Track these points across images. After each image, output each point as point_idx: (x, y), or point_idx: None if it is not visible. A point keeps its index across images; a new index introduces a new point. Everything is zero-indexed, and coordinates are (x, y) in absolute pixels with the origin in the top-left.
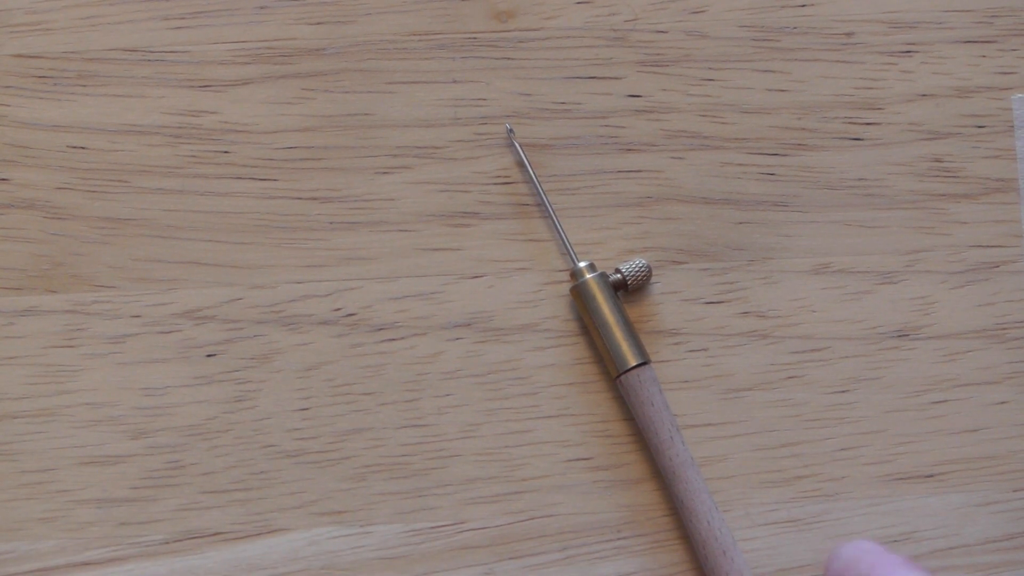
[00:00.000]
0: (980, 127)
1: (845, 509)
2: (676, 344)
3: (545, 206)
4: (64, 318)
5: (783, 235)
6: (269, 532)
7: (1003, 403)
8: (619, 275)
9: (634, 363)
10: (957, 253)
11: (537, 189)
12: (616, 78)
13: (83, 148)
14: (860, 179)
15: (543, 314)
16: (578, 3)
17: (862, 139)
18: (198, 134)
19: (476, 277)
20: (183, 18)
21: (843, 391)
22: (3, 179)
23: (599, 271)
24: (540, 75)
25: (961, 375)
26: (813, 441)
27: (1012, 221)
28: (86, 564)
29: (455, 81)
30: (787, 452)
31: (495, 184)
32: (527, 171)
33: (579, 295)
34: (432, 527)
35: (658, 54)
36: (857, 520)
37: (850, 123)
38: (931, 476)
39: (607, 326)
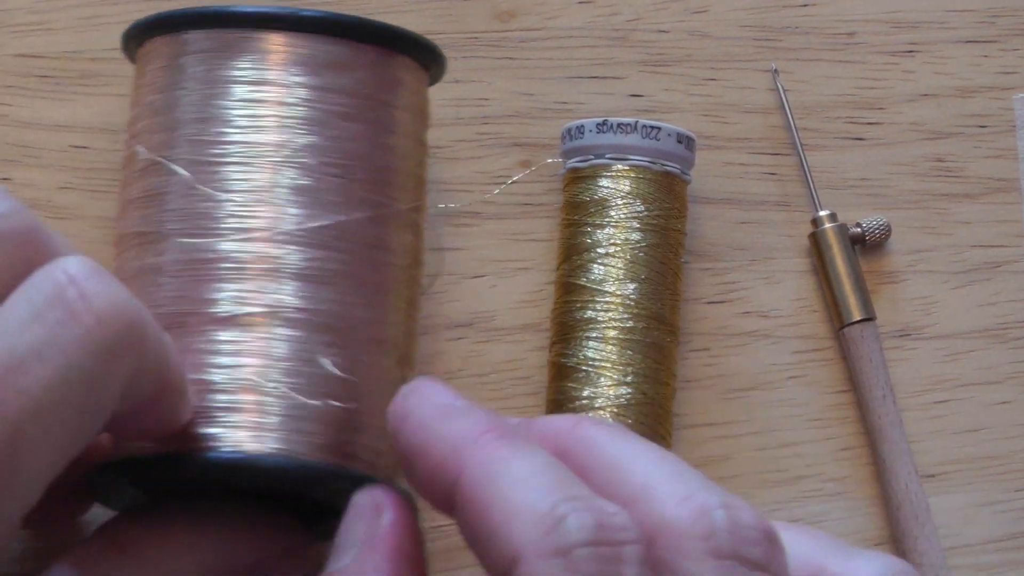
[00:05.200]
0: (982, 127)
1: (846, 509)
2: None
3: (797, 149)
4: None
5: (784, 235)
6: None
7: (1005, 403)
8: (859, 229)
9: (859, 317)
10: (959, 253)
11: (793, 134)
12: (618, 78)
13: (85, 148)
14: (862, 179)
15: (545, 314)
16: (580, 3)
17: (864, 139)
18: None
19: (477, 277)
20: None
21: (844, 391)
22: (4, 179)
23: (840, 222)
24: (542, 75)
25: (963, 375)
26: (815, 441)
27: (1014, 221)
28: None
29: (456, 81)
30: (789, 452)
31: (496, 184)
32: (786, 113)
33: (816, 243)
34: (432, 527)
35: (660, 54)
36: (858, 520)
37: (852, 123)
38: (933, 476)
39: (839, 277)
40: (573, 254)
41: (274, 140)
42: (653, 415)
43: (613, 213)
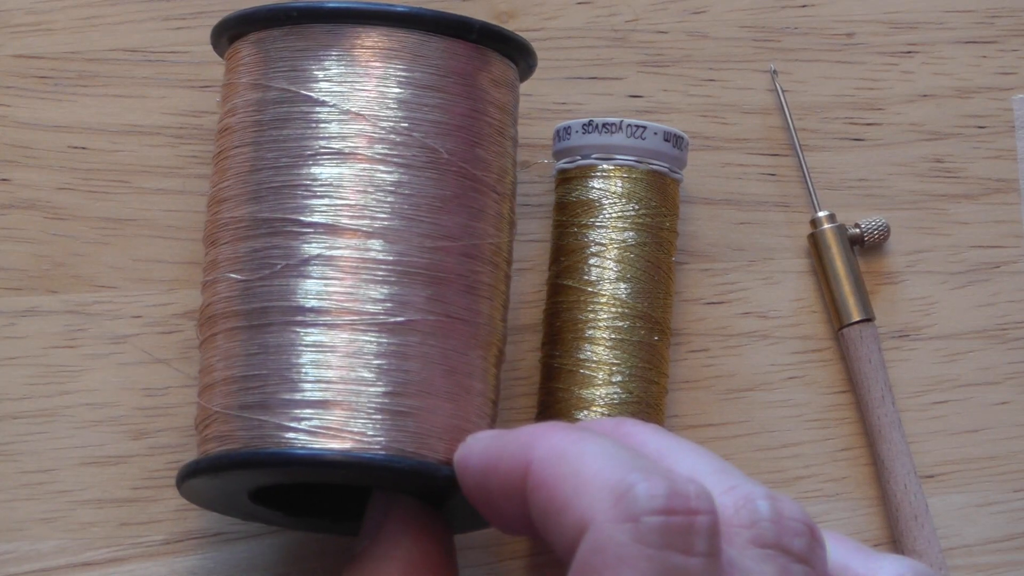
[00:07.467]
0: (981, 128)
1: (846, 509)
2: (677, 344)
3: (796, 150)
4: (65, 318)
5: (783, 236)
6: (269, 532)
7: (1004, 403)
8: (858, 230)
9: (858, 318)
10: (958, 253)
11: (792, 134)
12: (617, 78)
13: (84, 148)
14: (861, 179)
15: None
16: (579, 3)
17: (863, 139)
18: (199, 134)
19: None
20: (183, 18)
21: (843, 391)
22: (4, 179)
23: (838, 223)
24: (541, 75)
25: (962, 375)
26: (814, 441)
27: (1013, 221)
28: (86, 564)
29: None
30: (788, 452)
31: None
32: (784, 114)
33: (815, 244)
34: None
35: (659, 54)
36: (858, 520)
37: (851, 123)
38: (932, 476)
39: (838, 277)
40: (562, 255)
41: (445, 146)
42: (643, 414)
43: (601, 213)
